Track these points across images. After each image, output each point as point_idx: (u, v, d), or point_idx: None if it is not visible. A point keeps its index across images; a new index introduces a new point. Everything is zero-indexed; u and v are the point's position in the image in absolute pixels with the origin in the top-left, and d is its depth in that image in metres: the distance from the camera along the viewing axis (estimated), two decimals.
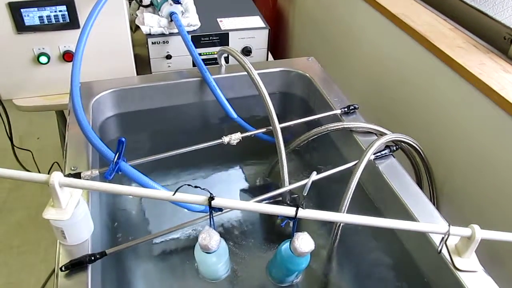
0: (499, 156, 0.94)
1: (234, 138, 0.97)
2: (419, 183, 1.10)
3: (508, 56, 1.01)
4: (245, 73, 1.11)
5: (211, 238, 0.69)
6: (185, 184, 0.67)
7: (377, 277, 0.88)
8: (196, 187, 0.67)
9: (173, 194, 0.66)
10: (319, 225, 1.00)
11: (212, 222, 0.70)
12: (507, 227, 0.95)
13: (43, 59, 1.16)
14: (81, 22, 1.13)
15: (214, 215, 0.71)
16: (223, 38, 1.33)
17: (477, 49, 1.04)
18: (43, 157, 1.99)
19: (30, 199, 1.99)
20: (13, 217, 1.92)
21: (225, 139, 0.96)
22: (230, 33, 1.32)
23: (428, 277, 0.79)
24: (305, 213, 0.67)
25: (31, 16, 1.09)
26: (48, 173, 1.92)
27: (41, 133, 2.32)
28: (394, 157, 0.95)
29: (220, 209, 0.69)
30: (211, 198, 0.66)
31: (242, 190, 1.13)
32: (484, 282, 0.71)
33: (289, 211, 0.67)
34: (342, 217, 0.70)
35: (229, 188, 1.14)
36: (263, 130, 1.01)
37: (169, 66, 1.33)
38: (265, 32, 1.36)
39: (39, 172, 1.90)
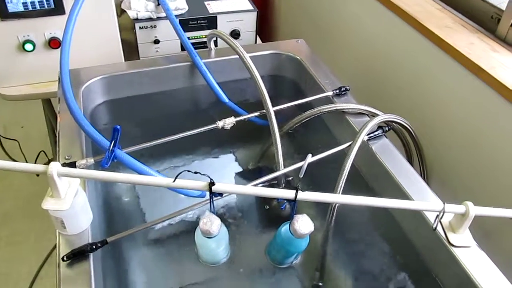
0: (488, 134, 0.96)
1: (228, 122, 0.97)
2: (410, 162, 1.12)
3: (496, 36, 1.02)
4: (235, 56, 1.10)
5: (212, 223, 0.70)
6: (185, 170, 0.67)
7: (372, 256, 0.90)
8: (196, 172, 0.67)
9: (173, 181, 0.66)
10: (314, 207, 1.01)
11: (212, 207, 0.70)
12: (495, 202, 0.97)
13: (29, 46, 1.13)
14: (67, 7, 1.11)
15: (213, 199, 0.72)
16: (211, 22, 1.31)
17: (465, 29, 1.05)
18: (29, 146, 1.96)
19: (17, 188, 1.96)
20: (0, 207, 1.90)
21: (219, 123, 0.96)
22: (218, 16, 1.31)
23: (422, 253, 0.81)
24: (304, 195, 0.68)
25: (15, 2, 1.06)
26: (35, 162, 1.89)
27: (25, 121, 2.27)
28: (386, 137, 0.96)
29: (220, 194, 0.69)
30: (212, 183, 0.66)
31: (236, 174, 1.14)
32: (477, 256, 0.73)
33: (289, 194, 0.68)
34: (340, 198, 0.71)
35: (222, 172, 1.14)
36: (257, 114, 1.01)
37: (157, 51, 1.31)
38: (254, 15, 1.35)
39: (26, 161, 1.87)
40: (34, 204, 1.92)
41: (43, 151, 1.88)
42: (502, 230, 0.96)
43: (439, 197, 0.82)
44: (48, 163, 1.88)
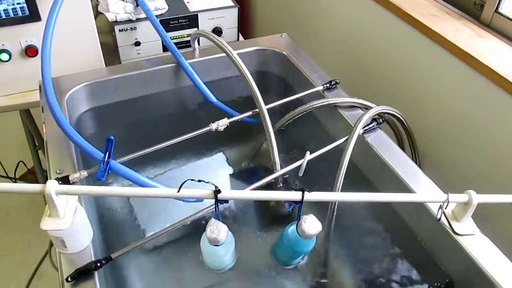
0: (479, 119, 0.97)
1: (222, 124, 0.95)
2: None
3: (480, 22, 1.03)
4: (220, 55, 1.09)
5: (219, 230, 0.68)
6: (189, 179, 0.65)
7: (377, 249, 0.90)
8: (199, 181, 0.66)
9: (178, 191, 0.64)
10: (313, 204, 1.00)
11: (218, 214, 0.69)
12: (489, 186, 0.99)
13: (4, 56, 1.08)
14: (42, 13, 1.06)
15: (211, 206, 0.70)
16: (192, 20, 1.28)
17: (450, 16, 1.05)
18: (6, 156, 1.89)
19: None
20: None
21: (213, 126, 0.94)
22: (199, 14, 1.28)
23: (427, 244, 0.82)
24: (311, 196, 0.67)
25: None
26: (15, 173, 1.81)
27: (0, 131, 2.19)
28: (381, 129, 0.96)
29: (225, 201, 0.68)
30: (217, 191, 0.65)
31: (231, 175, 1.12)
32: (482, 243, 0.74)
33: (295, 195, 0.67)
34: (347, 196, 0.70)
35: (217, 174, 1.12)
36: (249, 113, 1.00)
37: (138, 53, 1.27)
38: (235, 11, 1.32)
39: (6, 172, 1.81)
40: (15, 217, 1.87)
41: (22, 161, 1.82)
42: (497, 214, 0.97)
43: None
44: (28, 172, 1.80)
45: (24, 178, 1.88)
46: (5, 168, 1.82)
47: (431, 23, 1.03)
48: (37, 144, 1.51)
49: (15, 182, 1.80)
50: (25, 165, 1.86)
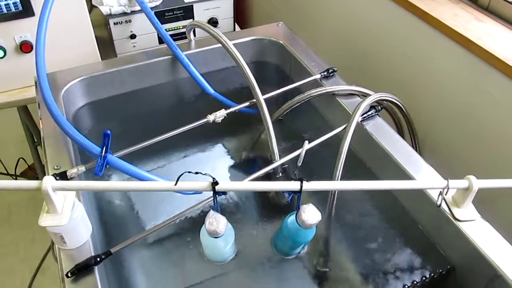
0: (479, 104, 0.96)
1: (219, 115, 0.94)
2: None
3: (478, 5, 1.02)
4: (216, 46, 1.08)
5: (218, 222, 0.68)
6: (186, 172, 0.64)
7: (378, 237, 0.90)
8: (197, 173, 0.65)
9: (175, 184, 0.64)
10: (312, 193, 1.00)
11: (216, 206, 0.68)
12: (489, 171, 0.98)
13: None
14: (36, 9, 1.05)
15: (210, 199, 0.69)
16: (187, 11, 1.27)
17: (448, 0, 1.04)
18: (6, 153, 1.89)
19: None
20: None
21: (210, 117, 0.93)
22: (195, 5, 1.27)
23: (428, 231, 0.81)
24: (310, 185, 0.67)
25: None
26: (15, 169, 1.81)
27: None
28: (379, 116, 0.95)
29: (223, 193, 0.68)
30: (215, 183, 0.64)
31: (230, 166, 1.11)
32: (483, 229, 0.74)
33: (294, 185, 0.66)
34: (347, 185, 0.70)
35: (215, 165, 1.12)
36: (247, 104, 0.99)
37: (134, 46, 1.27)
38: (230, 1, 1.31)
39: (6, 169, 1.81)
40: (17, 214, 1.87)
41: (22, 158, 1.82)
42: (498, 197, 0.97)
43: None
44: (28, 169, 1.81)
45: (25, 175, 1.88)
46: (6, 165, 1.82)
47: (429, 8, 1.01)
48: (36, 141, 1.51)
49: (16, 179, 1.81)
50: (25, 161, 1.86)
